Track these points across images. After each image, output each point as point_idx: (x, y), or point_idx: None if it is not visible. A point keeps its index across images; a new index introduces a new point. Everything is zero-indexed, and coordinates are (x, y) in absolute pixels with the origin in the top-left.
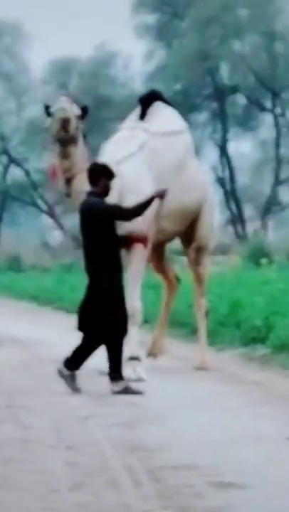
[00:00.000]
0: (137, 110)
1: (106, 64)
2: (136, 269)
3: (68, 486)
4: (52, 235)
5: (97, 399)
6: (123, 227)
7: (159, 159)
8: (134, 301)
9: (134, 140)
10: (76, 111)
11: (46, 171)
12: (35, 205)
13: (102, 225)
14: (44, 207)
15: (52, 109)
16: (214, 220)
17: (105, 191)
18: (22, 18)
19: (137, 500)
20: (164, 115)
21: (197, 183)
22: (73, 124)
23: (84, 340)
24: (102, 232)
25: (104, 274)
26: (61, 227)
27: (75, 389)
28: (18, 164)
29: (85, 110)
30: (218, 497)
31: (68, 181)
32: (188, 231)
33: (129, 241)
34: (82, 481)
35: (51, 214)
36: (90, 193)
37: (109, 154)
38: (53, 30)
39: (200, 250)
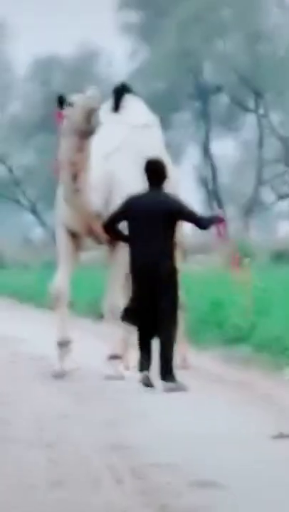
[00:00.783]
0: (109, 102)
1: (89, 61)
2: (120, 266)
3: (48, 483)
4: (34, 232)
5: (78, 397)
6: None
7: (141, 152)
8: (116, 298)
9: (117, 133)
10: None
11: (51, 165)
12: (17, 201)
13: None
14: (26, 203)
15: (74, 98)
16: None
17: None
18: (3, 14)
19: (119, 497)
20: (138, 108)
21: (172, 176)
22: (97, 116)
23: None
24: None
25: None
26: (43, 223)
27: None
28: (0, 161)
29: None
30: (199, 496)
31: (75, 177)
32: None
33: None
34: (62, 479)
35: (33, 211)
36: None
37: (94, 147)
38: (35, 26)
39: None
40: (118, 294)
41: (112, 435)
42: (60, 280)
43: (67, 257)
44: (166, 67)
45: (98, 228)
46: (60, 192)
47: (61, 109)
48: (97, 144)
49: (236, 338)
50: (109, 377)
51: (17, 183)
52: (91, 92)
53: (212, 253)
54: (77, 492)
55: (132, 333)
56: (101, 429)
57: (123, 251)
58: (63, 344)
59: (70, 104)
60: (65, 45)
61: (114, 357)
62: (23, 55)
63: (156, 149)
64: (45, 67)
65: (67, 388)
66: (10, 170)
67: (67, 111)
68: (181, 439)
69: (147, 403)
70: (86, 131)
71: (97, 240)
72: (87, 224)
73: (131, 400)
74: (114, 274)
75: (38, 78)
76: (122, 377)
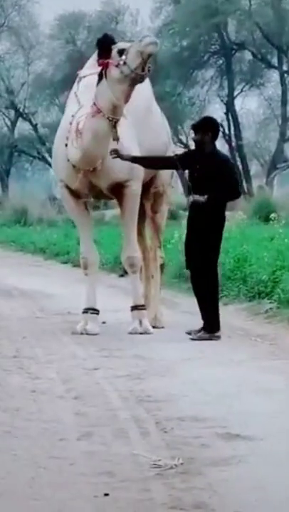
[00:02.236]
0: (94, 56)
1: (114, 19)
2: (131, 217)
3: (76, 435)
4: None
5: (104, 351)
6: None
7: (131, 103)
8: (134, 251)
9: None
10: None
11: (91, 109)
12: (42, 159)
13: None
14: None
15: (127, 45)
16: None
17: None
18: None
19: (145, 450)
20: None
21: (163, 126)
22: (150, 63)
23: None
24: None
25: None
26: None
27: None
28: (26, 118)
29: None
30: (225, 448)
31: (115, 124)
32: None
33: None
34: (90, 431)
35: None
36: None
37: (86, 100)
38: None
39: (158, 197)
40: (134, 246)
41: (139, 389)
42: (86, 248)
43: (83, 222)
44: (190, 25)
45: (102, 184)
46: (59, 152)
47: (102, 57)
48: (86, 97)
49: (260, 293)
50: (134, 331)
51: (42, 140)
52: (149, 38)
53: (236, 209)
54: (103, 444)
55: (157, 288)
56: (127, 382)
57: (131, 203)
58: (90, 312)
59: (121, 52)
60: (89, 3)
61: (136, 307)
62: (48, 14)
63: (147, 98)
64: (70, 25)
65: (94, 343)
66: (35, 128)
67: (118, 58)
68: (207, 392)
69: (173, 357)
70: (139, 78)
71: (102, 197)
72: (89, 181)
73: (156, 353)
74: (126, 227)
75: (63, 36)
76: (147, 332)
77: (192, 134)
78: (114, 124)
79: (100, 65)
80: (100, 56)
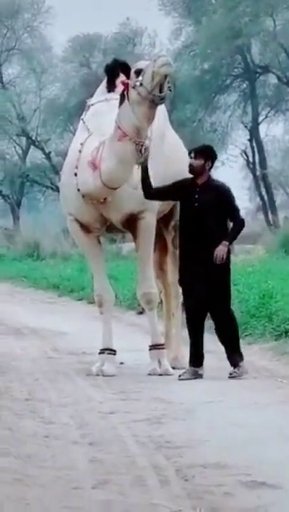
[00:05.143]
0: (104, 83)
1: (131, 41)
2: (146, 251)
3: (92, 483)
4: None
5: (120, 393)
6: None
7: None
8: (150, 286)
9: (113, 112)
10: None
11: (116, 134)
12: (55, 189)
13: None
14: None
15: (144, 65)
16: None
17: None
18: None
19: (165, 499)
20: None
21: (179, 154)
22: (168, 83)
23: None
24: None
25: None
26: None
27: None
28: (38, 146)
29: None
30: (250, 497)
31: (141, 148)
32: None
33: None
34: (106, 479)
35: None
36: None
37: (95, 128)
38: (74, 5)
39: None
40: (150, 281)
41: (158, 433)
42: (100, 285)
43: (95, 257)
44: (211, 47)
45: (113, 216)
46: (68, 182)
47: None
48: (95, 124)
49: (287, 332)
50: (153, 372)
51: (55, 169)
52: (163, 58)
53: (259, 242)
54: (121, 493)
55: (178, 326)
56: (146, 427)
57: (146, 237)
58: (107, 352)
59: (138, 72)
60: (105, 25)
61: (155, 347)
62: (61, 36)
63: (158, 125)
64: (84, 47)
65: (110, 385)
66: (48, 156)
67: (135, 79)
68: (230, 438)
69: (194, 400)
70: (158, 100)
71: (115, 230)
72: (101, 214)
73: (176, 396)
74: (142, 262)
75: (77, 59)
76: (167, 373)
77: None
78: (140, 147)
79: (122, 84)
80: (109, 83)
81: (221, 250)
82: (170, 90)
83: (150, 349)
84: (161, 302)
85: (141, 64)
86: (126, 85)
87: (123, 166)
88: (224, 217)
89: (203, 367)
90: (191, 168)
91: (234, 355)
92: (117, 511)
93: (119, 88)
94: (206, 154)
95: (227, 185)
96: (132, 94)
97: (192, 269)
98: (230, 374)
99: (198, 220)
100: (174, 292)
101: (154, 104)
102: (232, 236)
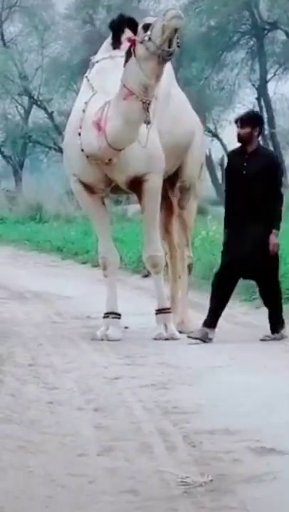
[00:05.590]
0: (108, 39)
1: None
2: (152, 213)
3: (97, 450)
4: None
5: (126, 358)
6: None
7: None
8: (156, 249)
9: (119, 70)
10: None
11: (121, 92)
12: (59, 150)
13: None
14: None
15: (152, 20)
16: (203, 157)
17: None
18: None
19: (171, 466)
20: None
21: (186, 112)
22: (178, 38)
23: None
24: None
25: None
26: None
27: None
28: (40, 106)
29: None
30: (259, 463)
31: (148, 106)
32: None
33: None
34: (111, 446)
35: None
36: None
37: (99, 86)
38: None
39: (185, 191)
40: (156, 244)
41: (164, 399)
42: (105, 248)
43: (99, 219)
44: (218, 3)
45: (118, 178)
46: (72, 142)
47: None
48: (100, 82)
49: None
50: (159, 336)
51: (58, 130)
52: (173, 11)
53: None
54: (126, 460)
55: (184, 289)
56: (152, 393)
57: (152, 199)
58: (111, 316)
59: (146, 27)
60: None
61: (161, 311)
62: None
63: (163, 82)
64: (88, 4)
65: (115, 350)
66: (51, 116)
67: (143, 34)
68: (239, 403)
69: (201, 364)
70: (167, 55)
71: (120, 192)
72: (105, 175)
73: (183, 360)
74: (147, 224)
75: (80, 16)
76: (174, 337)
77: (236, 128)
78: (147, 106)
79: (128, 41)
80: (114, 39)
81: (273, 240)
82: (178, 46)
83: (156, 313)
84: (167, 265)
85: (149, 19)
86: (132, 42)
87: (129, 126)
88: (272, 185)
89: (215, 330)
90: (240, 138)
91: (275, 323)
92: (123, 478)
93: (125, 45)
94: (252, 122)
95: (276, 155)
96: (140, 49)
97: (239, 232)
98: (264, 337)
99: (247, 187)
100: (180, 254)
101: (162, 59)
102: (278, 221)
